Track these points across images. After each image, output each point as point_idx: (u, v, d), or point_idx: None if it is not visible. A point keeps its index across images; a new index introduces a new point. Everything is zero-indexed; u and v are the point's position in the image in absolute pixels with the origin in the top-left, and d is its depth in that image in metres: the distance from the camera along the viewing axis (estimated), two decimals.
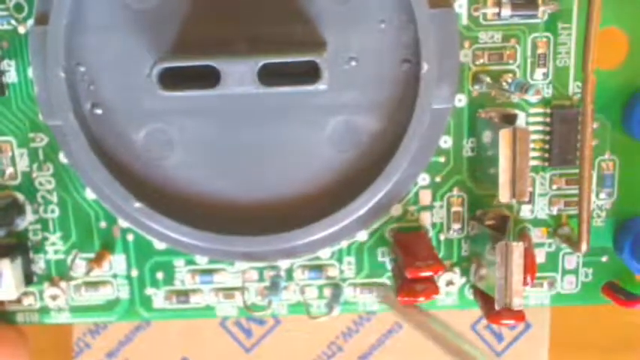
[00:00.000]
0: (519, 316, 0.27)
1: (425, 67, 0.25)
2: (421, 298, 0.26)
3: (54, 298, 0.29)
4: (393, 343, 0.33)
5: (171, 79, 0.24)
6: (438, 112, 0.26)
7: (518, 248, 0.25)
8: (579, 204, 0.27)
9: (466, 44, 0.27)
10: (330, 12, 0.25)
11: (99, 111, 0.26)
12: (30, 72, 0.27)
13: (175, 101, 0.26)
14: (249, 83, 0.24)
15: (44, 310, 0.30)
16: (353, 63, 0.26)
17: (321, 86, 0.24)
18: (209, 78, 0.24)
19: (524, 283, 0.26)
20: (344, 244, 0.29)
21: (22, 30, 0.27)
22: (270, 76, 0.24)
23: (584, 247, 0.27)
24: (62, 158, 0.28)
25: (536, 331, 0.32)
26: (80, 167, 0.27)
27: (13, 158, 0.28)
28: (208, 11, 0.25)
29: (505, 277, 0.26)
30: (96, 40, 0.26)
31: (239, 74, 0.24)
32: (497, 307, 0.26)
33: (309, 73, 0.24)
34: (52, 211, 0.28)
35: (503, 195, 0.25)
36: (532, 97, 0.26)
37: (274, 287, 0.28)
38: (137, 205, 0.26)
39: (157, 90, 0.24)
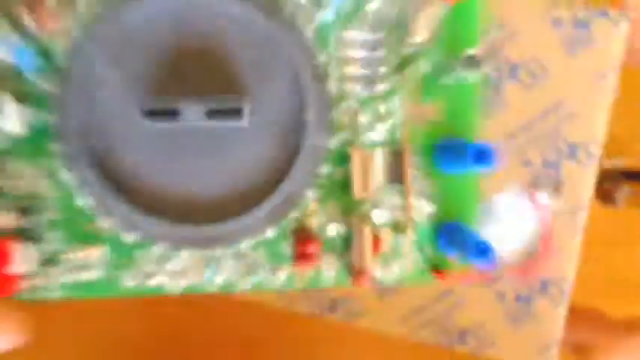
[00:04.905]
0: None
1: (309, 115, 0.41)
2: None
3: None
4: None
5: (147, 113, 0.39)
6: (318, 148, 0.42)
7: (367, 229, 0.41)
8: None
9: None
10: (247, 77, 0.41)
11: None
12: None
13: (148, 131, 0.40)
14: (200, 118, 0.39)
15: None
16: (263, 111, 0.41)
17: (243, 123, 0.39)
18: (172, 114, 0.39)
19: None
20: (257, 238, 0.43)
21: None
22: (214, 113, 0.39)
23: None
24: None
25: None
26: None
27: None
28: (171, 72, 0.40)
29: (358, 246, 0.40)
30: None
31: (194, 112, 0.39)
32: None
33: (238, 113, 0.40)
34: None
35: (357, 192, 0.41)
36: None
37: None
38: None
39: (142, 124, 0.39)
